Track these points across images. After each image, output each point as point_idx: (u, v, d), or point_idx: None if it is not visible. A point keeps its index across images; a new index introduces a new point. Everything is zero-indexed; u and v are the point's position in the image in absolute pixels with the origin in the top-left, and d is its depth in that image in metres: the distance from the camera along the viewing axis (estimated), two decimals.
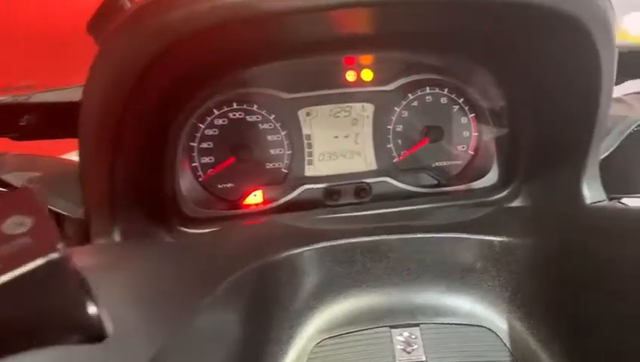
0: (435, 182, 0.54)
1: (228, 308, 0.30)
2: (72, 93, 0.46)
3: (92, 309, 0.19)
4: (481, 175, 0.53)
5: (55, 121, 0.47)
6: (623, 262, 0.32)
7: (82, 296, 0.18)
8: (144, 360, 0.20)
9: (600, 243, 0.34)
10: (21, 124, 0.46)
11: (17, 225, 0.18)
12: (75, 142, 0.40)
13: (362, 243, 0.38)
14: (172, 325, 0.23)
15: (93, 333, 0.19)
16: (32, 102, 0.46)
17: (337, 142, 0.53)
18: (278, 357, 0.34)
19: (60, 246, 0.17)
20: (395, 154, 0.53)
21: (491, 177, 0.53)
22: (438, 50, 0.50)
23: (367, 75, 0.52)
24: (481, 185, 0.53)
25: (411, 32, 0.46)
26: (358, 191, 0.52)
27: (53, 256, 0.17)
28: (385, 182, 0.53)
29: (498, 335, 0.36)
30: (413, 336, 0.36)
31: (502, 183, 0.52)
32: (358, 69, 0.51)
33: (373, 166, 0.53)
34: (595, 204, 0.43)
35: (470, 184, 0.53)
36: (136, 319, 0.22)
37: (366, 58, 0.51)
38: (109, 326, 0.19)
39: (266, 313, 0.34)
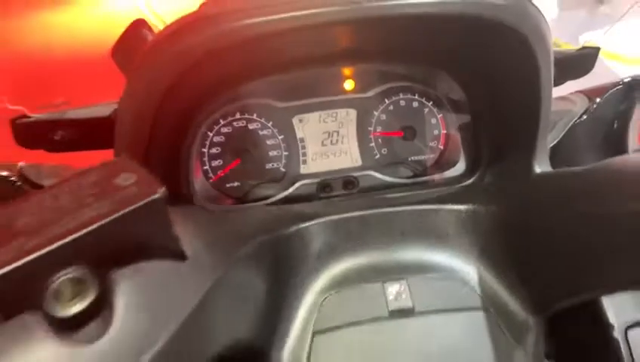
0: (412, 173, 0.63)
1: (252, 267, 0.38)
2: (102, 110, 0.54)
3: (177, 237, 0.27)
4: (451, 165, 0.62)
5: (86, 135, 0.54)
6: (569, 216, 0.41)
7: (172, 228, 0.26)
8: (212, 279, 0.28)
9: (548, 202, 0.43)
10: (55, 138, 0.53)
11: (126, 179, 0.26)
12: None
13: (356, 217, 0.46)
14: (223, 265, 0.31)
15: (179, 255, 0.27)
16: (65, 119, 0.53)
17: (326, 144, 0.61)
18: (294, 309, 0.42)
19: (160, 190, 0.25)
20: (376, 151, 0.62)
21: (460, 167, 0.62)
22: (408, 61, 0.59)
23: (349, 84, 0.61)
24: (452, 174, 0.62)
25: (385, 47, 0.55)
26: (347, 183, 0.60)
27: (155, 196, 0.25)
28: (369, 175, 0.61)
29: (472, 286, 0.44)
30: (402, 288, 0.43)
31: (469, 171, 0.61)
32: (342, 80, 0.60)
33: (359, 162, 0.62)
34: (543, 172, 0.51)
35: (442, 173, 0.62)
36: (200, 253, 0.29)
37: (349, 70, 0.60)
38: (188, 252, 0.27)
39: (282, 274, 0.42)
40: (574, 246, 0.41)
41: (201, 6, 0.46)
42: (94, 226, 0.23)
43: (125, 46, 0.52)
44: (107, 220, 0.24)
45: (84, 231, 0.23)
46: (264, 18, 0.42)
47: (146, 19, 0.50)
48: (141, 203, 0.24)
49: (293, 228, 0.44)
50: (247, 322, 0.37)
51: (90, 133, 0.54)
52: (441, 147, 0.64)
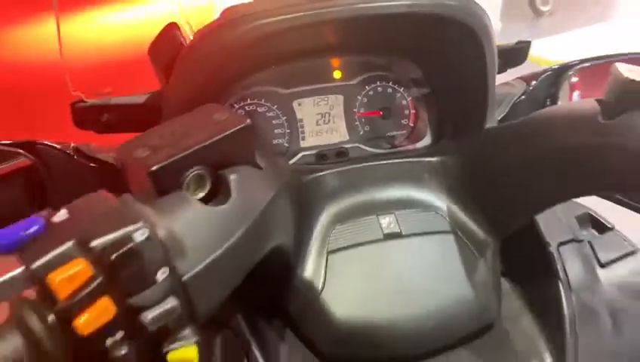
0: (390, 145, 0.77)
1: (286, 200, 0.51)
2: (138, 98, 0.66)
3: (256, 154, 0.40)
4: (421, 138, 0.76)
5: (126, 118, 0.66)
6: (511, 156, 0.56)
7: (255, 145, 0.39)
8: (277, 186, 0.41)
9: (496, 148, 0.58)
10: (102, 120, 0.64)
11: (221, 115, 0.38)
12: None
13: (354, 168, 0.60)
14: (280, 180, 0.44)
15: (257, 166, 0.40)
16: (110, 104, 0.64)
17: (320, 123, 0.75)
18: (312, 236, 0.55)
19: (247, 120, 0.38)
20: (360, 128, 0.76)
21: (427, 139, 0.76)
22: (382, 53, 0.74)
23: (337, 74, 0.75)
24: (422, 145, 0.76)
25: (364, 42, 0.70)
26: (339, 153, 0.74)
27: (245, 124, 0.38)
28: (357, 146, 0.75)
29: (443, 215, 0.59)
30: (391, 219, 0.57)
31: (435, 142, 0.76)
32: (332, 70, 0.74)
33: (347, 137, 0.75)
34: (491, 126, 0.66)
35: (414, 145, 0.76)
36: (268, 167, 0.42)
37: (336, 62, 0.74)
38: (262, 164, 0.41)
39: (301, 208, 0.55)
40: (517, 179, 0.56)
41: (222, 12, 0.59)
42: (208, 142, 0.36)
43: (159, 46, 0.64)
44: (216, 138, 0.37)
45: (203, 144, 0.36)
46: (267, 20, 0.55)
47: (177, 23, 0.63)
48: (236, 128, 0.38)
49: (309, 177, 0.57)
50: (285, 237, 0.50)
51: (128, 117, 0.66)
52: (412, 124, 0.78)
